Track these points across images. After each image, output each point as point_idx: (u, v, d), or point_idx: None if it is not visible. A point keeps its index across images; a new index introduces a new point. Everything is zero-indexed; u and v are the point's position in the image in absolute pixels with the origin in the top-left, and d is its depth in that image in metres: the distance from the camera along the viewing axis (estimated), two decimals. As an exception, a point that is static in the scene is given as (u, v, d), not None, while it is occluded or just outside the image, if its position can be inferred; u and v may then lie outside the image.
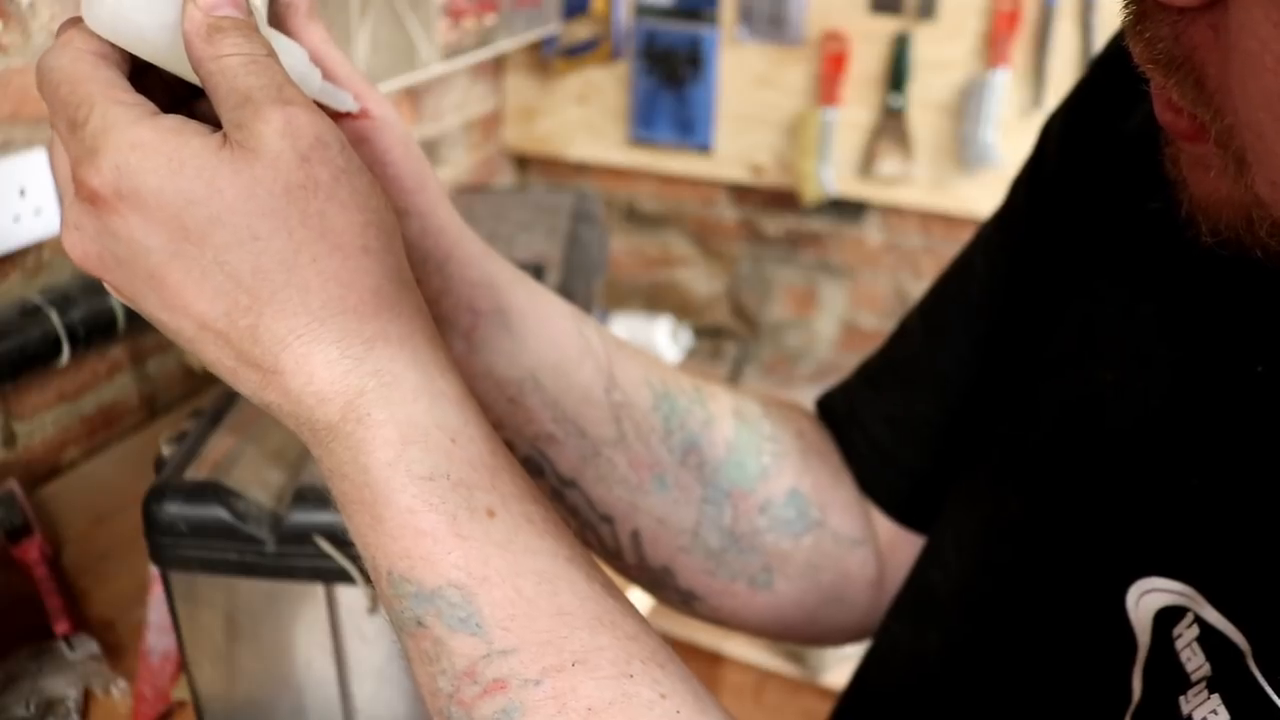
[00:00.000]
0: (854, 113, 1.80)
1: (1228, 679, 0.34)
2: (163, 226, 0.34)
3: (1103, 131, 0.49)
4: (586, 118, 1.99)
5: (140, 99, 0.36)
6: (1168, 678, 0.37)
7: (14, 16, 1.14)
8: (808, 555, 0.56)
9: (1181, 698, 0.35)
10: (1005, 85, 1.68)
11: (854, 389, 0.61)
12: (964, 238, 0.61)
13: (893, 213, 1.89)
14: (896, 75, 1.74)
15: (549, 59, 1.94)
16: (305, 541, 0.73)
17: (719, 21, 1.83)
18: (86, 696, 0.93)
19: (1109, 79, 0.50)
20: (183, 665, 0.82)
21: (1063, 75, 1.66)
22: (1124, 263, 0.46)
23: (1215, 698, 0.34)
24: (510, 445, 0.47)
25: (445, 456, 0.35)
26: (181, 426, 0.82)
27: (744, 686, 1.46)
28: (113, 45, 0.38)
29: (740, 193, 1.98)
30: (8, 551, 1.09)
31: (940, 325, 0.57)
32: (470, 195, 1.27)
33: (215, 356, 0.36)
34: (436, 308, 0.46)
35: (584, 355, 0.50)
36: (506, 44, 1.65)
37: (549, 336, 0.49)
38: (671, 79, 1.89)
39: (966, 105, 1.71)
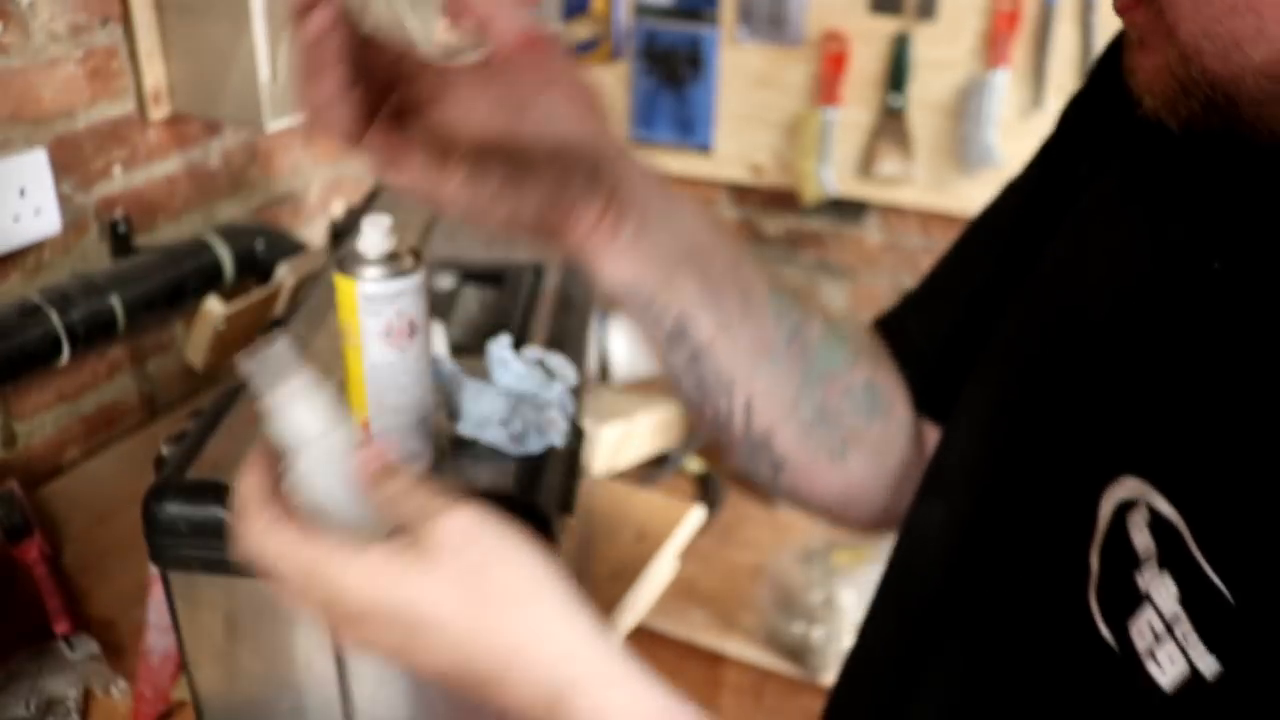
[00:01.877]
0: (854, 113, 1.80)
1: (1174, 558, 0.39)
2: (391, 641, 0.47)
3: (1111, 106, 0.55)
4: (586, 118, 1.99)
5: (340, 554, 0.47)
6: (1120, 556, 0.42)
7: (14, 17, 1.13)
8: (877, 437, 0.65)
9: (1137, 574, 0.41)
10: (1005, 85, 1.68)
11: (899, 309, 0.71)
12: (964, 237, 0.63)
13: (893, 213, 1.89)
14: (896, 75, 1.74)
15: (549, 59, 1.94)
16: (305, 541, 0.73)
17: (719, 21, 1.83)
18: (86, 696, 0.93)
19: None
20: (183, 665, 0.82)
21: (1063, 75, 1.66)
22: (1116, 180, 0.53)
23: (1166, 573, 0.39)
24: (659, 317, 0.59)
25: None
26: (181, 426, 0.82)
27: (744, 686, 1.46)
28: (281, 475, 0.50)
29: (740, 193, 1.98)
30: (8, 551, 1.09)
31: (971, 245, 0.67)
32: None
33: None
34: (615, 195, 0.55)
35: (718, 245, 0.60)
36: (506, 44, 1.65)
37: (695, 225, 0.58)
38: (671, 79, 1.89)
39: (966, 105, 1.71)
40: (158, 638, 0.91)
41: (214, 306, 1.31)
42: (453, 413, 0.77)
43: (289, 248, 1.45)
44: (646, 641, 1.44)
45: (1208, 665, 0.38)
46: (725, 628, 1.44)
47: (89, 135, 1.25)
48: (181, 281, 1.31)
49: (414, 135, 0.52)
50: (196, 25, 1.25)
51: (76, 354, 1.20)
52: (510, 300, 1.01)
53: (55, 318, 1.16)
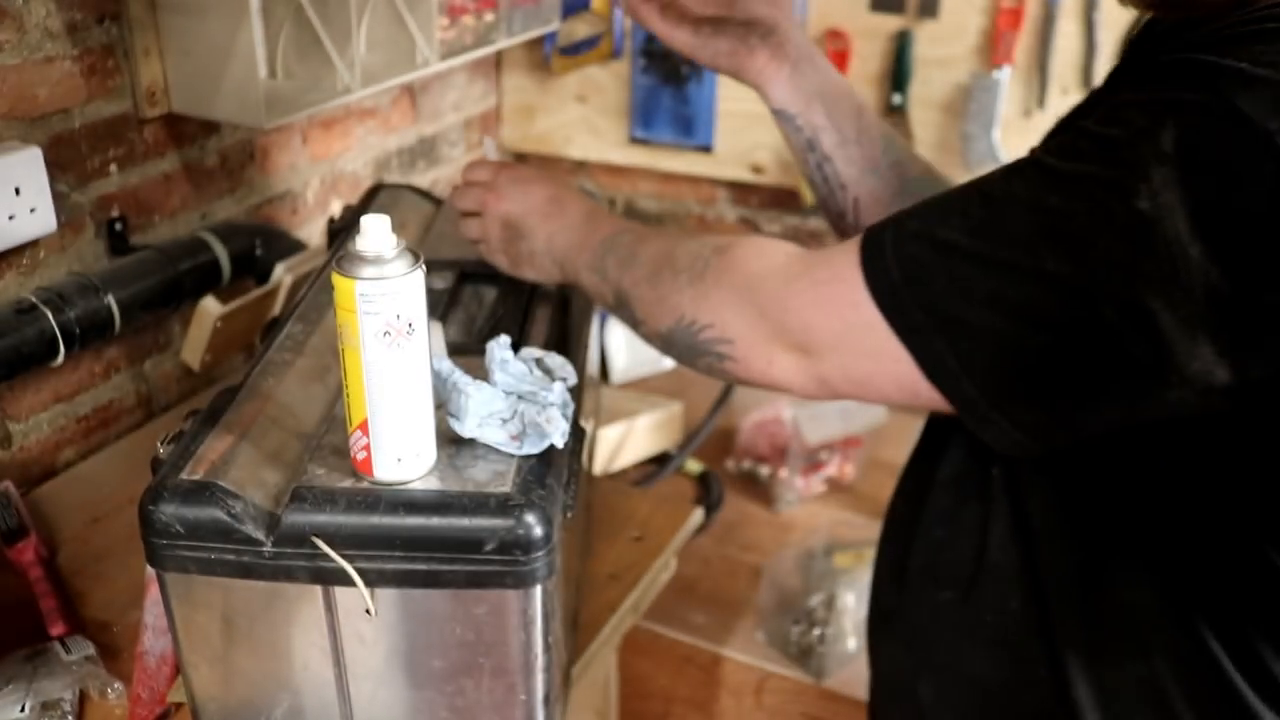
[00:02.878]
0: (855, 111, 1.79)
1: None
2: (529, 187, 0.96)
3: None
4: (586, 116, 1.99)
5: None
6: None
7: (9, 14, 1.13)
8: None
9: None
10: (1007, 84, 1.67)
11: None
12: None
13: (893, 212, 1.88)
14: (898, 74, 1.73)
15: (548, 57, 1.93)
16: (303, 542, 0.72)
17: (719, 20, 1.82)
18: (82, 699, 0.92)
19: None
20: (179, 667, 0.82)
21: (1066, 74, 1.65)
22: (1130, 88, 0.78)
23: None
24: (801, 129, 0.93)
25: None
26: (178, 427, 0.82)
27: (744, 686, 1.45)
28: None
29: (741, 192, 1.97)
30: (3, 553, 1.08)
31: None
32: (469, 194, 1.26)
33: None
34: (781, 48, 0.91)
35: (846, 95, 0.93)
36: (505, 42, 1.64)
37: (831, 79, 0.93)
38: (672, 77, 1.88)
39: (968, 104, 1.70)
40: (154, 639, 0.91)
41: (211, 306, 1.31)
42: (453, 413, 0.77)
43: (287, 247, 1.44)
44: (647, 641, 1.43)
45: None
46: (725, 628, 1.44)
47: (85, 133, 1.24)
48: (178, 281, 1.30)
49: (666, 9, 0.93)
50: (193, 23, 1.25)
51: (72, 354, 1.19)
52: (510, 300, 1.00)
53: (51, 317, 1.15)
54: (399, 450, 0.73)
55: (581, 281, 0.88)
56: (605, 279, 0.84)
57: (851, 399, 0.72)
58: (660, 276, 0.79)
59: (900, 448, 1.64)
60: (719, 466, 1.69)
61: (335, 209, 1.66)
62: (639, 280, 0.81)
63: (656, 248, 0.81)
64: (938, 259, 0.63)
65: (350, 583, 0.73)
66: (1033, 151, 0.64)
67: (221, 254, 1.36)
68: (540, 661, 0.78)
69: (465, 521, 0.72)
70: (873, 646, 0.91)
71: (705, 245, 0.78)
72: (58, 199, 1.20)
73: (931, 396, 0.66)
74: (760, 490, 1.65)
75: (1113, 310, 0.58)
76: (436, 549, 0.73)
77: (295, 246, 1.46)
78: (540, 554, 0.73)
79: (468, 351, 0.85)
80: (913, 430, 0.91)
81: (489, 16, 1.59)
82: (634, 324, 0.83)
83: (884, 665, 0.89)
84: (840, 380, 0.70)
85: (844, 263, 0.67)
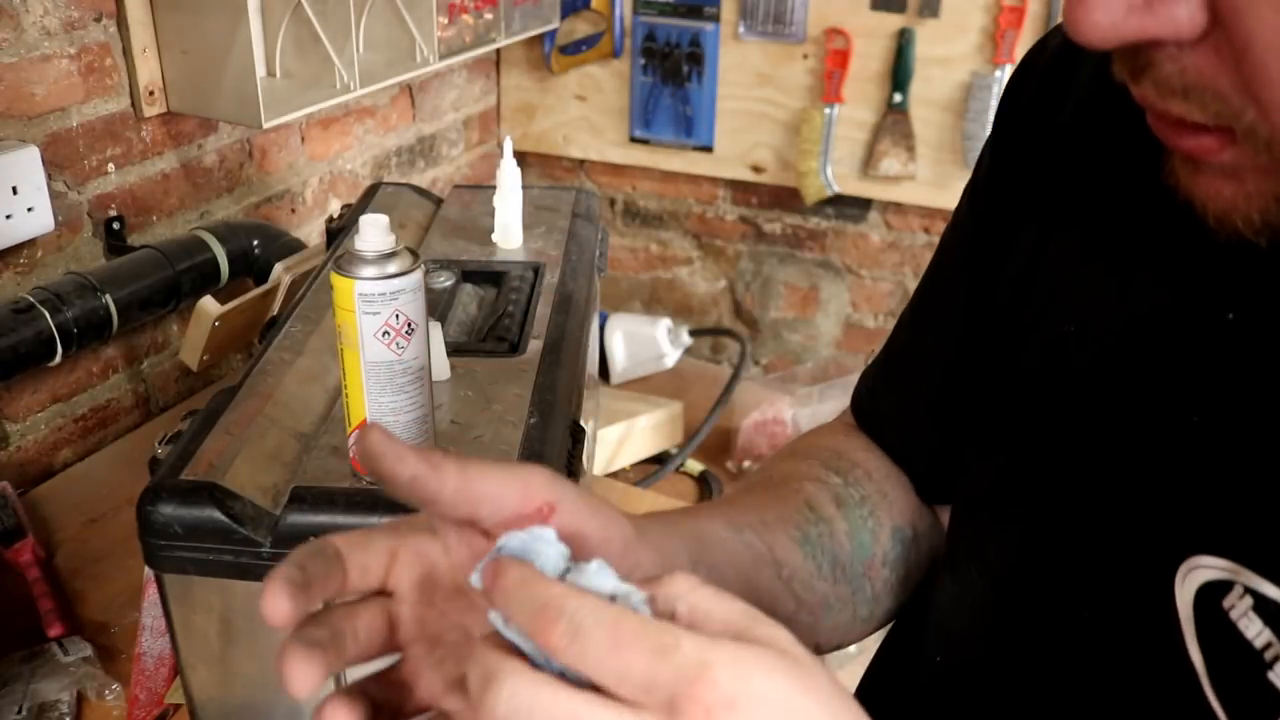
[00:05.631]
0: (856, 110, 1.79)
1: None
2: None
3: (1036, 128, 0.55)
4: (586, 115, 1.98)
5: None
6: (1231, 647, 0.39)
7: (6, 12, 1.12)
8: (918, 562, 0.68)
9: (1270, 673, 0.37)
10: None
11: (871, 393, 0.70)
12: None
13: (895, 211, 1.88)
14: (899, 73, 1.73)
15: (548, 56, 1.93)
16: (302, 543, 0.72)
17: (720, 18, 1.82)
18: (80, 700, 0.92)
19: (1032, 90, 0.56)
20: (177, 669, 0.81)
21: (1066, 72, 1.64)
22: (1078, 229, 0.51)
23: None
24: None
25: None
26: (176, 427, 0.81)
27: (745, 688, 1.44)
28: None
29: (741, 191, 1.97)
30: (0, 554, 1.08)
31: (926, 311, 0.66)
32: (469, 192, 1.25)
33: None
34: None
35: (759, 562, 0.59)
36: (504, 41, 1.64)
37: (736, 564, 0.58)
38: (672, 76, 1.88)
39: (969, 103, 1.70)
40: (152, 641, 0.90)
41: (209, 306, 1.30)
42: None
43: (285, 246, 1.44)
44: (647, 643, 1.43)
45: None
46: (726, 629, 1.43)
47: (83, 132, 1.23)
48: (176, 280, 1.29)
49: None
50: (191, 21, 1.24)
51: (70, 354, 1.18)
52: (510, 300, 1.00)
53: (48, 317, 1.15)
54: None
55: None
56: None
57: None
58: None
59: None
60: (719, 466, 1.69)
61: (334, 208, 1.66)
62: None
63: None
64: None
65: (349, 584, 0.73)
66: None
67: (220, 253, 1.35)
68: (541, 663, 0.78)
69: (465, 522, 0.72)
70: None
71: None
72: (55, 198, 1.19)
73: None
74: (761, 490, 1.65)
75: None
76: (436, 550, 0.72)
77: (294, 246, 1.45)
78: (541, 555, 0.72)
79: (467, 351, 0.85)
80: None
81: (488, 15, 1.59)
82: None
83: None
84: None
85: None
